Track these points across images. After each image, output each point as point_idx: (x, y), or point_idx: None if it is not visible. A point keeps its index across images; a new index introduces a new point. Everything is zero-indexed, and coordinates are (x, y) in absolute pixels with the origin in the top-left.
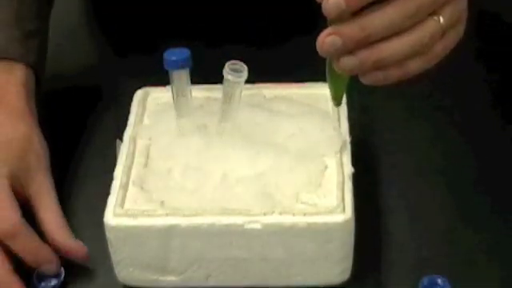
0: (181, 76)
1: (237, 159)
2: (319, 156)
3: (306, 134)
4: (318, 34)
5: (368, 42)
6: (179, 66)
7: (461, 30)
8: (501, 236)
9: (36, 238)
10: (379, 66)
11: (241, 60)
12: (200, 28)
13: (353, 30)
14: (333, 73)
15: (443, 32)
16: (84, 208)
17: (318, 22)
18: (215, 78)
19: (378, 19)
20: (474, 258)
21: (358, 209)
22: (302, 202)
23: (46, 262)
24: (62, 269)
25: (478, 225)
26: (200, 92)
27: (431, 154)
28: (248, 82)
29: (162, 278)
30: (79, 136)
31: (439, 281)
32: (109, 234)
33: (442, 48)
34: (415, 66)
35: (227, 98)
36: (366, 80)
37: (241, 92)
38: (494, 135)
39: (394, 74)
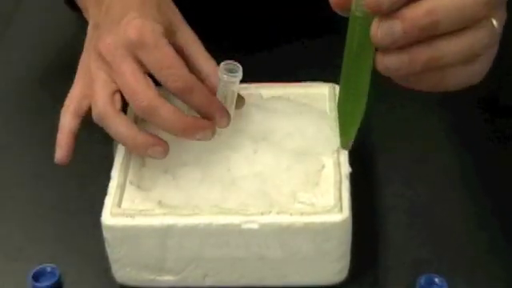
0: None
1: (234, 159)
2: (316, 155)
3: (303, 133)
4: (316, 34)
5: (432, 34)
6: None
7: (496, 49)
8: (499, 235)
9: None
10: (428, 67)
11: (238, 60)
12: (198, 29)
13: (419, 12)
14: (346, 107)
15: (496, 38)
16: (81, 207)
17: (316, 22)
18: None
19: (448, 1)
20: (471, 258)
21: (355, 208)
22: (300, 202)
23: (219, 113)
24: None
25: (475, 224)
26: None
27: (429, 154)
28: (245, 81)
29: (159, 278)
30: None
31: (436, 280)
32: (106, 234)
33: (487, 60)
34: (460, 77)
35: (222, 98)
36: (403, 82)
37: (236, 91)
38: (493, 136)
39: (434, 81)
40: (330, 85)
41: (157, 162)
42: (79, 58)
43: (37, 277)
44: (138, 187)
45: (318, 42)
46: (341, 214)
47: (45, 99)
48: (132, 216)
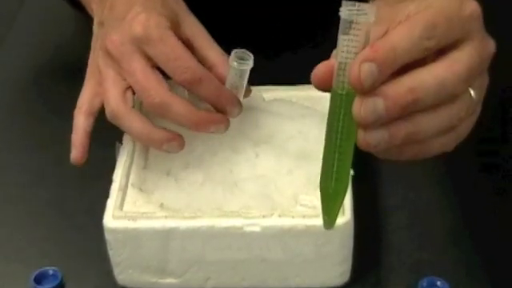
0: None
1: (236, 161)
2: (318, 158)
3: (305, 136)
4: (319, 36)
5: (411, 110)
6: None
7: (478, 110)
8: (501, 238)
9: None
10: (407, 142)
11: None
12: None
13: (400, 91)
14: (327, 188)
15: (474, 108)
16: (84, 210)
17: (319, 24)
18: None
19: (430, 79)
20: (473, 260)
21: (357, 211)
22: (301, 204)
23: (230, 103)
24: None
25: (477, 227)
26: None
27: (431, 157)
28: (248, 84)
29: (161, 280)
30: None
31: (438, 283)
32: (108, 236)
33: (467, 127)
34: (439, 146)
35: (233, 87)
36: (382, 155)
37: (246, 81)
38: (494, 137)
39: (413, 152)
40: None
41: (159, 164)
42: (82, 58)
43: (39, 279)
44: (140, 190)
45: (320, 45)
46: (343, 216)
47: (47, 100)
48: (134, 219)
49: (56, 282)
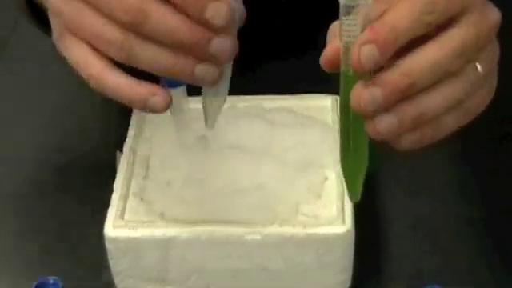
0: (178, 94)
1: (237, 171)
2: (319, 167)
3: (305, 145)
4: (319, 45)
5: (411, 93)
6: (176, 84)
7: (494, 83)
8: (503, 246)
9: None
10: (417, 124)
11: (239, 72)
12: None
13: (395, 77)
14: (347, 164)
15: (481, 81)
16: (84, 219)
17: (320, 33)
18: None
19: (423, 61)
20: (475, 269)
21: (357, 220)
22: (302, 214)
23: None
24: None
25: (479, 235)
26: (198, 104)
27: (431, 165)
28: (248, 93)
29: None
30: (79, 147)
31: None
32: (109, 246)
33: (478, 102)
34: (452, 123)
35: None
36: (402, 144)
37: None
38: (493, 141)
39: (429, 133)
40: (333, 97)
41: (159, 174)
42: None
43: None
44: (141, 199)
45: (321, 54)
46: (343, 225)
47: (49, 105)
48: (134, 228)
49: None
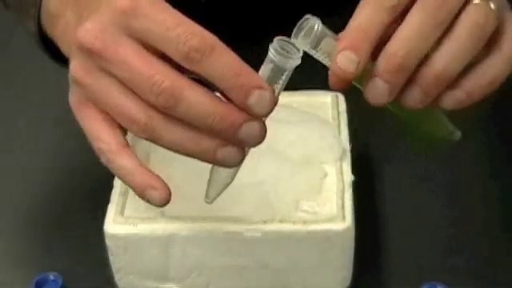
0: None
1: None
2: (319, 164)
3: (306, 141)
4: None
5: (414, 61)
6: None
7: None
8: (502, 244)
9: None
10: (444, 81)
11: None
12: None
13: (389, 62)
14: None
15: (496, 14)
16: (84, 215)
17: None
18: (213, 85)
19: (407, 32)
20: (474, 266)
21: (357, 216)
22: (302, 210)
23: (256, 85)
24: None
25: (477, 232)
26: None
27: (431, 161)
28: None
29: (162, 286)
30: (79, 144)
31: None
32: (109, 242)
33: (506, 47)
34: (479, 79)
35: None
36: (447, 103)
37: (285, 83)
38: (493, 141)
39: (458, 96)
40: (333, 93)
41: (160, 170)
42: None
43: (40, 285)
44: None
45: None
46: (343, 222)
47: (50, 105)
48: (135, 224)
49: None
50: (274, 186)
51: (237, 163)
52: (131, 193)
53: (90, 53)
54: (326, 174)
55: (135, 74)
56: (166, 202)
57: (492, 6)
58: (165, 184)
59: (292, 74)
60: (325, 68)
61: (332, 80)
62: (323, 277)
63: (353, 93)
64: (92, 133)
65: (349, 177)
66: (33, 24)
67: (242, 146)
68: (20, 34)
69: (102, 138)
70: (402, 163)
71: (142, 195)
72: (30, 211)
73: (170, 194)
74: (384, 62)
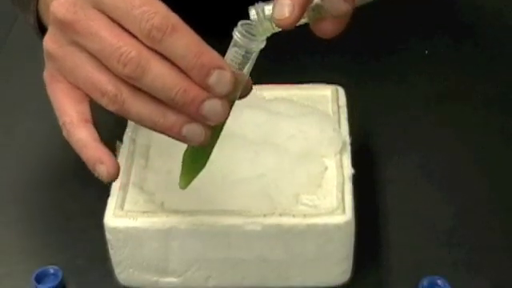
0: None
1: (237, 160)
2: (319, 157)
3: (305, 135)
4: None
5: None
6: None
7: None
8: (502, 238)
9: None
10: None
11: None
12: (198, 29)
13: None
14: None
15: None
16: (84, 210)
17: None
18: None
19: None
20: (474, 259)
21: (357, 210)
22: (302, 204)
23: (217, 65)
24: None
25: (478, 226)
26: None
27: (431, 155)
28: None
29: (162, 279)
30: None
31: (439, 282)
32: (109, 236)
33: None
34: None
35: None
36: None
37: (251, 67)
38: (494, 137)
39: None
40: (333, 87)
41: (160, 163)
42: None
43: (39, 278)
44: (141, 189)
45: (321, 44)
46: (343, 215)
47: (48, 102)
48: (135, 218)
49: (57, 281)
50: (274, 180)
51: (202, 141)
52: (131, 187)
53: (61, 25)
54: (326, 168)
55: (104, 46)
56: (112, 177)
57: None
58: (114, 161)
59: (291, 68)
60: (324, 62)
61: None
62: (323, 270)
63: (353, 86)
64: (58, 106)
65: (349, 170)
66: (32, 17)
67: (206, 123)
68: (17, 31)
69: (66, 110)
70: (402, 156)
71: (93, 169)
72: (29, 205)
73: (118, 171)
74: None
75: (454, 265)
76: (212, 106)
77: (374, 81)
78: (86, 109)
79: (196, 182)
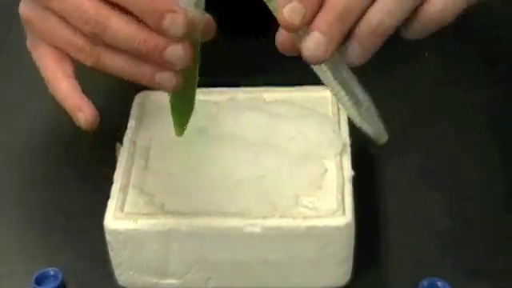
0: None
1: (237, 162)
2: (319, 159)
3: (305, 136)
4: None
5: (352, 17)
6: None
7: None
8: (502, 239)
9: None
10: (380, 35)
11: (240, 64)
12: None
13: (325, 15)
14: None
15: None
16: (84, 211)
17: None
18: (213, 80)
19: None
20: (474, 261)
21: (357, 211)
22: (302, 205)
23: (167, 8)
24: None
25: (478, 227)
26: (198, 95)
27: (431, 155)
28: (248, 85)
29: (162, 281)
30: (79, 139)
31: (439, 283)
32: (109, 237)
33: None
34: (429, 8)
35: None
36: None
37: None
38: (494, 137)
39: (414, 28)
40: None
41: (160, 165)
42: None
43: (39, 280)
44: (141, 191)
45: None
46: (344, 217)
47: (47, 101)
48: (135, 219)
49: (57, 283)
50: (274, 182)
51: (173, 86)
52: (131, 188)
53: None
54: (325, 170)
55: (67, 7)
56: (90, 125)
57: None
58: (92, 109)
59: (291, 70)
60: None
61: (279, 38)
62: (323, 272)
63: None
64: (43, 66)
65: (349, 172)
66: None
67: (173, 68)
68: (17, 31)
69: (50, 68)
70: (402, 158)
71: (74, 118)
72: (29, 205)
73: (95, 119)
74: (324, 13)
75: (454, 266)
76: (173, 51)
77: (374, 82)
78: (67, 66)
79: (196, 183)
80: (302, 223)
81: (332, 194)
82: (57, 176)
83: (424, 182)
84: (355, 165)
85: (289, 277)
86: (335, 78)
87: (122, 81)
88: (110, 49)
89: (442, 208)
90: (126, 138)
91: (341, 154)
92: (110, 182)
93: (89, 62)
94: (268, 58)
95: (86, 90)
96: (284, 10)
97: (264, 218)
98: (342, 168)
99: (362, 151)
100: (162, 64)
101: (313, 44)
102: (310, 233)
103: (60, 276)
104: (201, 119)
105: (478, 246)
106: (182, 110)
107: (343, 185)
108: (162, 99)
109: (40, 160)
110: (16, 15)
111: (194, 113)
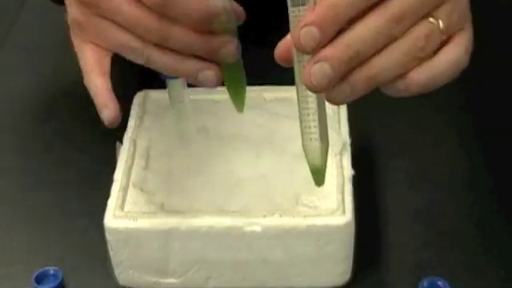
0: (177, 85)
1: (237, 161)
2: None
3: None
4: None
5: (360, 60)
6: None
7: (468, 35)
8: (502, 239)
9: None
10: (374, 82)
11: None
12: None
13: (338, 49)
14: (308, 148)
15: (443, 34)
16: (84, 210)
17: None
18: None
19: (362, 31)
20: (474, 260)
21: (357, 211)
22: (302, 204)
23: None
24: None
25: (478, 227)
26: (198, 95)
27: (431, 156)
28: (248, 84)
29: (162, 280)
30: (79, 138)
31: (439, 283)
32: (109, 236)
33: (447, 53)
34: (419, 75)
35: None
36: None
37: None
38: (494, 137)
39: (398, 87)
40: None
41: (160, 164)
42: None
43: (39, 279)
44: (141, 190)
45: None
46: (343, 216)
47: (48, 101)
48: (135, 218)
49: (57, 282)
50: (274, 181)
51: (213, 85)
52: (131, 187)
53: (87, 4)
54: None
55: (128, 19)
56: (112, 121)
57: (441, 24)
58: (117, 108)
59: (292, 69)
60: None
61: (283, 53)
62: (323, 271)
63: None
64: (84, 59)
65: (349, 171)
66: None
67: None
68: (17, 31)
69: (90, 63)
70: (402, 157)
71: (100, 113)
72: (29, 205)
73: (117, 118)
74: (337, 50)
75: (454, 265)
76: (227, 49)
77: None
78: (106, 64)
79: (196, 182)
80: (302, 222)
81: (332, 193)
82: (57, 176)
83: (423, 182)
84: (355, 164)
85: (289, 276)
86: (317, 110)
87: (121, 80)
88: (159, 48)
89: (441, 207)
90: (126, 138)
91: (341, 153)
92: (110, 182)
93: (140, 61)
94: (268, 58)
95: (86, 89)
96: (301, 31)
97: (264, 216)
98: (341, 167)
99: (362, 150)
100: (217, 60)
101: (320, 74)
102: (309, 232)
103: (60, 275)
104: (201, 118)
105: (478, 246)
106: (237, 90)
107: (343, 184)
108: (162, 99)
109: (40, 159)
110: (17, 16)
111: (193, 112)
